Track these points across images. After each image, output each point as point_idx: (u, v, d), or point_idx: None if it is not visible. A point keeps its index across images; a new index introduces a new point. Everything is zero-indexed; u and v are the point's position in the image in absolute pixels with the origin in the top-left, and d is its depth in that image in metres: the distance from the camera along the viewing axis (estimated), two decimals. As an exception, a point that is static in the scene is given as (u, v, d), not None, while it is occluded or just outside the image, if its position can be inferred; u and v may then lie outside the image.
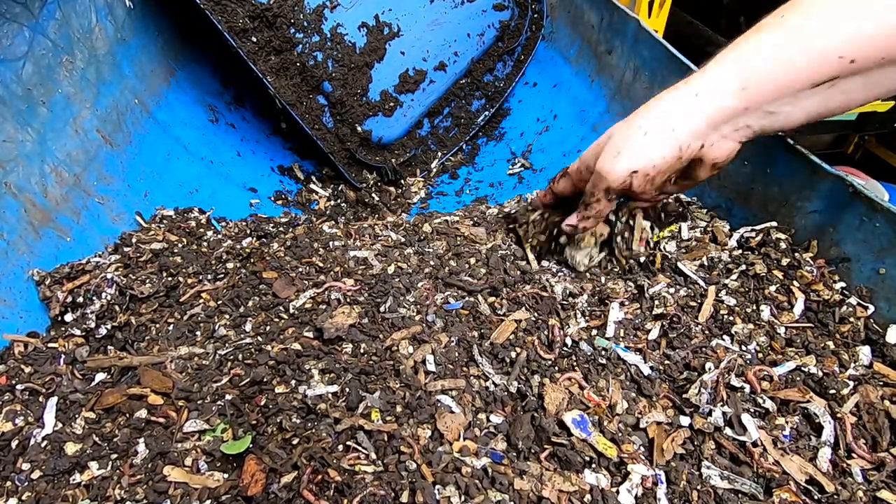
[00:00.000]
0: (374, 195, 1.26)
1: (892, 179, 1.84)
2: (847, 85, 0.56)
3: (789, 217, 0.77)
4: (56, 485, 0.54)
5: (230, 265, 0.83)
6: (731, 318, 0.68)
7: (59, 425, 0.59)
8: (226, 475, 0.55)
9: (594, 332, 0.68)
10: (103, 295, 0.73)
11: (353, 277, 0.77)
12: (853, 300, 0.68)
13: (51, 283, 0.74)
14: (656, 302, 0.71)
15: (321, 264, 0.81)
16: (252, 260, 0.83)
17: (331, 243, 0.88)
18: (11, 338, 0.69)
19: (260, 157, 1.29)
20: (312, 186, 1.29)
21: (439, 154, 1.37)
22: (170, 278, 0.80)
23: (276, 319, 0.72)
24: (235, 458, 0.55)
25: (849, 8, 0.53)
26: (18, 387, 0.63)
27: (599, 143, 0.70)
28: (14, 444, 0.57)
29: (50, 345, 0.69)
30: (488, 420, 0.58)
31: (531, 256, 0.84)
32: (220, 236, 0.94)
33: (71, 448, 0.56)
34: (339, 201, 1.28)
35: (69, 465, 0.55)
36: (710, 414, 0.57)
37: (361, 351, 0.65)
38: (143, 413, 0.59)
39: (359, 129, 1.20)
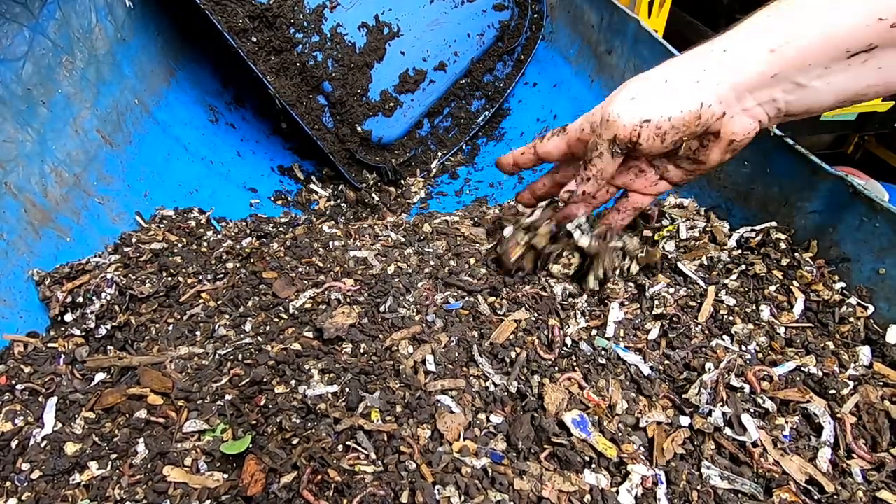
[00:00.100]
0: (374, 195, 1.26)
1: (892, 179, 1.84)
2: (883, 59, 0.52)
3: (789, 217, 0.77)
4: (56, 485, 0.54)
5: (230, 265, 0.83)
6: (730, 318, 0.68)
7: (59, 425, 0.59)
8: (225, 475, 0.55)
9: (594, 332, 0.68)
10: (103, 295, 0.73)
11: (353, 277, 0.77)
12: (853, 300, 0.68)
13: (51, 283, 0.74)
14: (656, 302, 0.71)
15: (321, 264, 0.81)
16: (252, 260, 0.83)
17: (331, 243, 0.88)
18: (11, 338, 0.69)
19: (260, 157, 1.29)
20: (312, 186, 1.29)
21: (439, 154, 1.37)
22: (170, 278, 0.80)
23: (276, 319, 0.72)
24: (235, 458, 0.55)
25: None
26: (18, 387, 0.63)
27: (610, 96, 0.62)
28: (14, 444, 0.57)
29: (50, 345, 0.69)
30: (488, 420, 0.58)
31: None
32: (220, 236, 0.94)
33: (71, 448, 0.56)
34: (339, 201, 1.28)
35: (69, 465, 0.55)
36: (710, 414, 0.57)
37: (361, 351, 0.65)
38: (142, 413, 0.59)
39: (359, 129, 1.20)
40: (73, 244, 0.81)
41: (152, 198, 0.98)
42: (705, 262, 0.76)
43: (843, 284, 0.70)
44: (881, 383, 0.60)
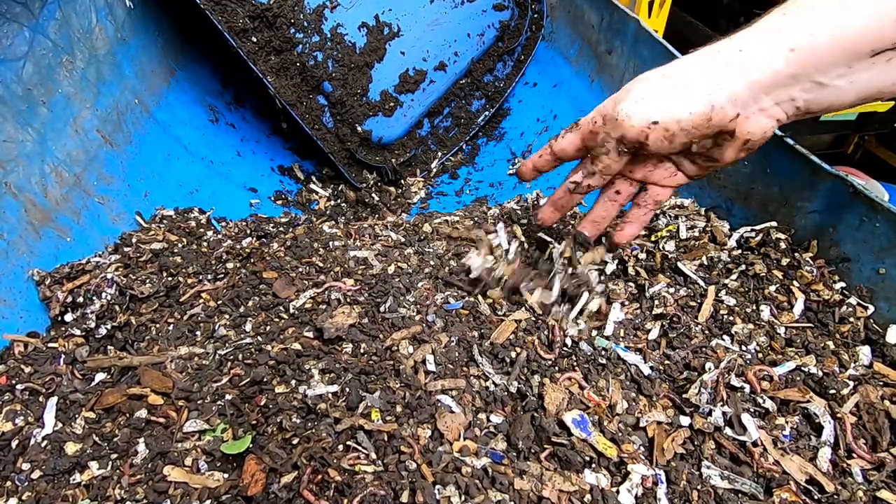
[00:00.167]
0: (374, 195, 1.26)
1: (892, 179, 1.84)
2: None
3: (789, 217, 0.77)
4: (56, 485, 0.54)
5: (230, 265, 0.83)
6: (731, 318, 0.68)
7: (59, 425, 0.59)
8: (226, 475, 0.55)
9: (594, 332, 0.68)
10: (103, 295, 0.73)
11: (353, 277, 0.77)
12: (853, 300, 0.68)
13: (51, 282, 0.74)
14: (656, 302, 0.71)
15: (321, 264, 0.81)
16: (252, 260, 0.83)
17: (331, 243, 0.88)
18: (11, 338, 0.69)
19: (260, 157, 1.29)
20: (312, 186, 1.29)
21: (439, 154, 1.38)
22: (170, 278, 0.80)
23: (276, 319, 0.72)
24: (235, 458, 0.55)
25: None
26: (18, 387, 0.63)
27: (621, 91, 0.61)
28: (14, 443, 0.57)
29: (50, 345, 0.69)
30: (488, 420, 0.58)
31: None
32: (220, 236, 0.94)
33: (71, 448, 0.56)
34: (339, 201, 1.28)
35: (69, 464, 0.55)
36: (710, 414, 0.57)
37: (361, 351, 0.65)
38: (143, 413, 0.59)
39: (359, 129, 1.20)
40: (74, 244, 0.81)
41: (152, 198, 0.98)
42: (705, 262, 0.77)
43: (843, 284, 0.70)
44: (881, 383, 0.60)
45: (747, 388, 0.59)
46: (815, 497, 0.51)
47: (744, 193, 0.84)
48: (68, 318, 0.72)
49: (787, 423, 0.56)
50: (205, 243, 0.91)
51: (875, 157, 2.12)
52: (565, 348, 0.66)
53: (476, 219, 0.96)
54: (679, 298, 0.71)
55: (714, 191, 0.90)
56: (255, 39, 1.06)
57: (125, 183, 0.95)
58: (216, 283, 0.80)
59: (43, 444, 0.57)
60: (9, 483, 0.54)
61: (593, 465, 0.54)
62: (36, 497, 0.53)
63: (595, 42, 1.27)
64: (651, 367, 0.64)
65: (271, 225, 1.02)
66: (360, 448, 0.54)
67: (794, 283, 0.70)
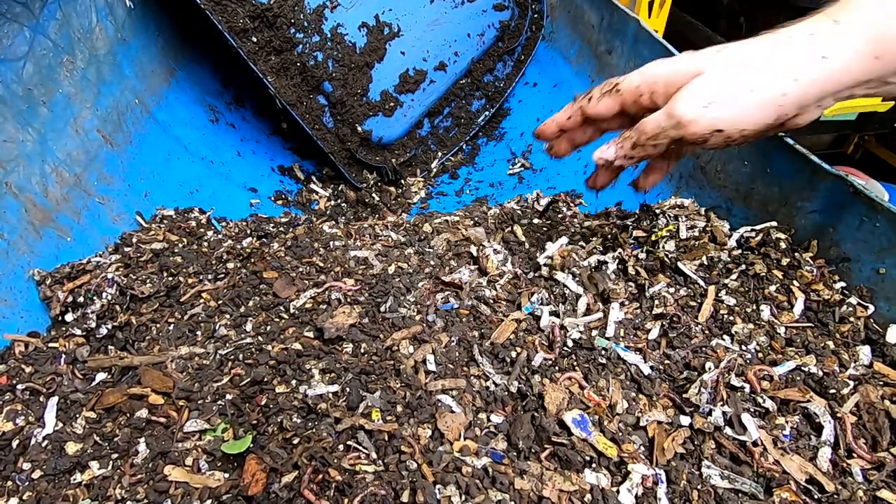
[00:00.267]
0: (374, 195, 1.27)
1: (892, 179, 1.84)
2: None
3: (789, 217, 0.77)
4: (57, 484, 0.54)
5: (230, 265, 0.83)
6: (731, 317, 0.68)
7: (60, 425, 0.59)
8: (226, 475, 0.55)
9: (594, 332, 0.68)
10: (104, 295, 0.73)
11: (354, 277, 0.77)
12: (853, 300, 0.68)
13: (51, 282, 0.74)
14: (656, 302, 0.71)
15: (321, 264, 0.81)
16: (252, 260, 0.83)
17: (331, 243, 0.88)
18: (12, 337, 0.69)
19: (260, 157, 1.29)
20: (312, 186, 1.29)
21: (439, 154, 1.38)
22: (170, 278, 0.80)
23: (277, 319, 0.72)
24: (236, 458, 0.55)
25: None
26: (19, 386, 0.63)
27: (678, 70, 0.56)
28: (15, 443, 0.57)
29: (50, 344, 0.69)
30: (489, 420, 0.58)
31: None
32: (220, 236, 0.94)
33: (72, 448, 0.56)
34: (339, 201, 1.28)
35: (70, 464, 0.55)
36: (710, 413, 0.57)
37: (362, 351, 0.65)
38: (143, 413, 0.59)
39: (359, 129, 1.20)
40: (74, 244, 0.81)
41: (153, 198, 0.98)
42: (705, 262, 0.76)
43: (843, 284, 0.70)
44: (881, 383, 0.60)
45: (747, 388, 0.59)
46: (815, 497, 0.51)
47: (744, 193, 0.84)
48: (69, 317, 0.72)
49: (787, 422, 0.56)
50: (205, 243, 0.91)
51: (875, 157, 2.11)
52: (565, 348, 0.66)
53: (476, 219, 0.97)
54: (679, 298, 0.71)
55: (714, 191, 0.90)
56: (255, 39, 1.06)
57: (125, 183, 0.95)
58: (216, 283, 0.80)
59: (43, 444, 0.57)
60: (9, 483, 0.54)
61: (593, 465, 0.54)
62: (37, 497, 0.53)
63: (595, 42, 1.27)
64: (651, 367, 0.64)
65: (271, 225, 1.02)
66: (360, 448, 0.54)
67: (794, 282, 0.70)
